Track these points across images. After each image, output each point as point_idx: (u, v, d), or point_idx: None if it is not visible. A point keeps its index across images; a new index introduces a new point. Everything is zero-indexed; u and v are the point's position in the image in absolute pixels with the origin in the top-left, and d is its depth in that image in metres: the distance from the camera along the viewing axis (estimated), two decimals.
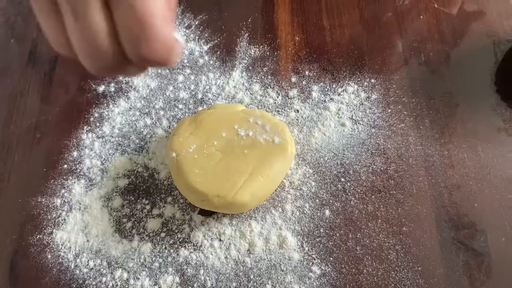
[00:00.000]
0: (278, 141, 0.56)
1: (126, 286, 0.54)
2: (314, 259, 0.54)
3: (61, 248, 0.57)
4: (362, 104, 0.63)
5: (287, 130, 0.58)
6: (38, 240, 0.57)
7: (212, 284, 0.53)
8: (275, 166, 0.55)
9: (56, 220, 0.59)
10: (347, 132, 0.61)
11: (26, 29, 0.74)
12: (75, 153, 0.62)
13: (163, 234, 0.56)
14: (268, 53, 0.68)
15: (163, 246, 0.56)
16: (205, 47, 0.69)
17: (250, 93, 0.65)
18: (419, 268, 0.52)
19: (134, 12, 0.26)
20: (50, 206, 0.59)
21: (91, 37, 0.26)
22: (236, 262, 0.54)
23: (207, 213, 0.56)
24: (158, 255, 0.55)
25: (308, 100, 0.64)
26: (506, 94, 0.63)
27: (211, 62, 0.68)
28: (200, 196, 0.52)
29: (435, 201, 0.56)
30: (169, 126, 0.63)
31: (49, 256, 0.56)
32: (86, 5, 0.25)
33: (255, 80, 0.66)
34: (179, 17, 0.72)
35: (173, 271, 0.54)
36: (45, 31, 0.28)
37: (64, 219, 0.58)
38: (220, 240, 0.56)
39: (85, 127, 0.64)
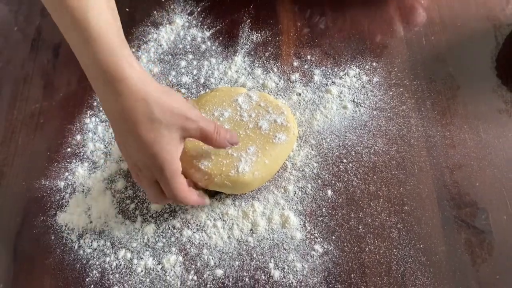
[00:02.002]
0: (280, 122, 0.56)
1: (130, 265, 0.54)
2: (317, 238, 0.54)
3: (64, 230, 0.57)
4: (364, 87, 0.63)
5: (289, 112, 0.58)
6: (41, 221, 0.58)
7: (215, 263, 0.54)
8: (278, 147, 0.55)
9: (60, 202, 0.59)
10: (349, 115, 0.61)
11: (29, 17, 0.75)
12: (78, 137, 0.63)
13: (166, 215, 0.57)
14: (270, 38, 0.68)
15: (166, 227, 0.56)
16: (208, 33, 0.70)
17: (252, 77, 0.65)
18: (421, 246, 0.52)
19: (170, 190, 0.49)
20: (54, 188, 0.60)
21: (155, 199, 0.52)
22: (239, 241, 0.55)
23: (210, 194, 0.57)
24: (162, 235, 0.56)
25: (310, 84, 0.64)
26: (507, 77, 0.63)
27: (213, 47, 0.68)
28: (203, 175, 0.53)
29: (436, 181, 0.56)
30: None
31: (53, 237, 0.57)
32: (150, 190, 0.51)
33: (257, 65, 0.66)
34: (182, 4, 0.73)
35: (176, 251, 0.55)
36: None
37: (68, 201, 0.59)
38: (223, 220, 0.56)
39: (89, 111, 0.65)
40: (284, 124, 0.56)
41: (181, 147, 0.48)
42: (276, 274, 0.52)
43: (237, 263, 0.54)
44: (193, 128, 0.48)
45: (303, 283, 0.52)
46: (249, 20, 0.70)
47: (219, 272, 0.53)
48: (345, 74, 0.64)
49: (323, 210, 0.56)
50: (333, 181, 0.57)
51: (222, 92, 0.59)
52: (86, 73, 0.46)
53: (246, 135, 0.55)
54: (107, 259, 0.55)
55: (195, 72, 0.66)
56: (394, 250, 0.53)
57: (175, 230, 0.56)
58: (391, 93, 0.62)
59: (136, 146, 0.46)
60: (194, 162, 0.53)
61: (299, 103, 0.63)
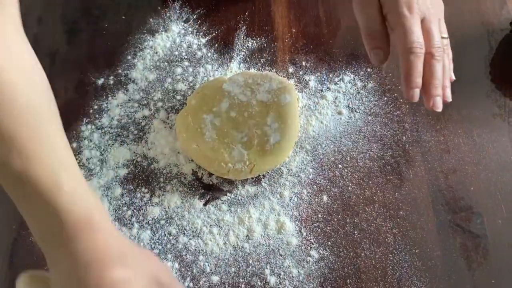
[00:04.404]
0: (276, 86, 0.59)
1: None
2: (312, 244, 0.54)
3: None
4: (359, 92, 0.63)
5: (276, 75, 0.61)
6: None
7: (211, 270, 0.54)
8: (290, 105, 0.58)
9: None
10: (344, 120, 0.62)
11: (26, 26, 0.75)
12: (74, 144, 0.63)
13: (162, 222, 0.57)
14: (265, 45, 0.69)
15: (162, 233, 0.56)
16: (203, 40, 0.70)
17: None
18: (417, 251, 0.53)
19: None
20: None
21: None
22: (235, 247, 0.55)
23: (206, 201, 0.57)
24: (158, 242, 0.56)
25: (305, 90, 0.64)
26: (501, 81, 0.63)
27: (209, 54, 0.69)
28: (243, 165, 0.56)
29: (431, 185, 0.56)
30: (168, 117, 0.64)
31: None
32: None
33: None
34: (178, 11, 0.73)
35: (172, 258, 0.55)
36: None
37: None
38: (219, 226, 0.56)
39: (85, 119, 0.65)
40: (280, 86, 0.59)
41: None
42: (272, 280, 0.53)
43: (233, 269, 0.54)
44: None
45: None
46: (244, 27, 0.71)
47: (215, 278, 0.53)
48: (340, 80, 0.65)
49: (319, 215, 0.56)
50: (328, 187, 0.57)
51: (207, 89, 0.61)
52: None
53: (255, 111, 0.58)
54: None
55: (190, 79, 0.67)
56: (390, 255, 0.53)
57: (171, 237, 0.56)
58: (385, 98, 0.63)
59: None
60: (227, 161, 0.56)
61: None
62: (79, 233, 0.37)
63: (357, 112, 0.62)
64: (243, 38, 0.70)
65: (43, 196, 0.37)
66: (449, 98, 0.48)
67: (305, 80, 0.65)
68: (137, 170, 0.61)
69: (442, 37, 0.46)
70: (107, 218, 0.41)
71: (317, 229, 0.55)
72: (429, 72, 0.45)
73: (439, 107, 0.46)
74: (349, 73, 0.65)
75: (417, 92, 0.45)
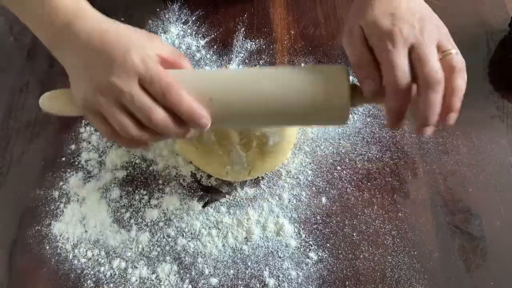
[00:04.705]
0: None
1: (124, 275, 0.54)
2: (311, 246, 0.54)
3: (59, 239, 0.57)
4: None
5: None
6: (36, 231, 0.58)
7: (210, 272, 0.54)
8: None
9: (55, 212, 0.59)
10: None
11: (25, 27, 0.75)
12: (73, 146, 0.63)
13: (161, 224, 0.57)
14: (264, 46, 0.69)
15: (161, 235, 0.56)
16: (202, 42, 0.70)
17: None
18: (415, 253, 0.53)
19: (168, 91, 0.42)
20: (49, 198, 0.60)
21: (128, 134, 0.43)
22: (234, 249, 0.55)
23: (205, 203, 0.57)
24: (156, 244, 0.56)
25: None
26: (500, 83, 0.63)
27: (208, 56, 0.69)
28: (242, 167, 0.55)
29: (430, 187, 0.56)
30: None
31: (47, 247, 0.57)
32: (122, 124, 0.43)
33: None
34: (176, 13, 0.73)
35: (171, 260, 0.55)
36: (99, 130, 0.47)
37: (62, 211, 0.59)
38: (218, 228, 0.56)
39: (83, 121, 0.65)
40: None
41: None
42: (271, 282, 0.53)
43: (231, 271, 0.54)
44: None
45: None
46: (243, 29, 0.71)
47: (214, 280, 0.53)
48: None
49: (318, 217, 0.56)
50: (327, 188, 0.57)
51: None
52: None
53: None
54: (102, 268, 0.55)
55: None
56: (389, 257, 0.53)
57: (169, 239, 0.56)
58: None
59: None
60: (225, 163, 0.55)
61: None
62: (72, 19, 0.44)
63: (355, 113, 0.62)
64: (242, 39, 0.70)
65: None
66: (451, 122, 0.43)
67: None
68: (135, 172, 0.60)
69: (445, 54, 0.42)
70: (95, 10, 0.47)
71: (316, 231, 0.55)
72: (422, 103, 0.41)
73: (426, 133, 0.43)
74: None
75: (400, 124, 0.43)
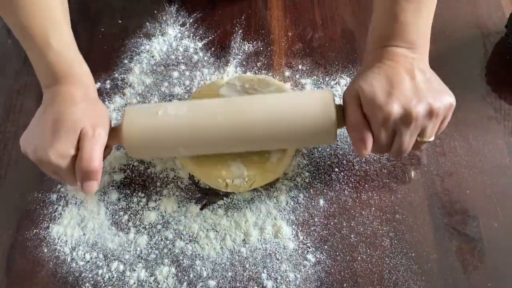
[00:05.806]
0: (274, 90, 0.58)
1: (123, 277, 0.54)
2: (309, 248, 0.54)
3: (57, 242, 0.57)
4: None
5: (272, 79, 0.61)
6: (34, 234, 0.58)
7: (208, 274, 0.54)
8: None
9: (53, 215, 0.59)
10: None
11: None
12: None
13: (159, 226, 0.57)
14: (261, 48, 0.69)
15: (159, 238, 0.56)
16: (200, 44, 0.70)
17: None
18: (413, 254, 0.53)
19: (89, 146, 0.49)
20: (47, 201, 0.60)
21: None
22: (232, 252, 0.55)
23: (202, 205, 0.57)
24: (154, 246, 0.56)
25: None
26: (496, 84, 0.64)
27: (205, 58, 0.69)
28: (242, 180, 0.55)
29: (427, 189, 0.56)
30: None
31: (46, 250, 0.57)
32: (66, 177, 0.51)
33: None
34: (174, 15, 0.73)
35: (169, 262, 0.55)
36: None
37: (61, 214, 0.59)
38: (216, 231, 0.56)
39: None
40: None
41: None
42: (269, 284, 0.53)
43: (229, 274, 0.54)
44: None
45: None
46: (241, 31, 0.71)
47: (212, 283, 0.53)
48: (336, 83, 0.65)
49: (315, 219, 0.56)
50: (325, 190, 0.57)
51: (204, 93, 0.60)
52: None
53: None
54: (100, 271, 0.55)
55: (187, 82, 0.67)
56: (386, 259, 0.53)
57: (167, 242, 0.56)
58: None
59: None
60: (225, 177, 0.55)
61: None
62: (59, 80, 0.51)
63: None
64: (240, 41, 0.70)
65: (38, 50, 0.51)
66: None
67: (302, 83, 0.65)
68: (133, 175, 0.61)
69: (421, 142, 0.48)
70: (87, 74, 0.54)
71: (313, 233, 0.55)
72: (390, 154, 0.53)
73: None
74: (345, 76, 0.65)
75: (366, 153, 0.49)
